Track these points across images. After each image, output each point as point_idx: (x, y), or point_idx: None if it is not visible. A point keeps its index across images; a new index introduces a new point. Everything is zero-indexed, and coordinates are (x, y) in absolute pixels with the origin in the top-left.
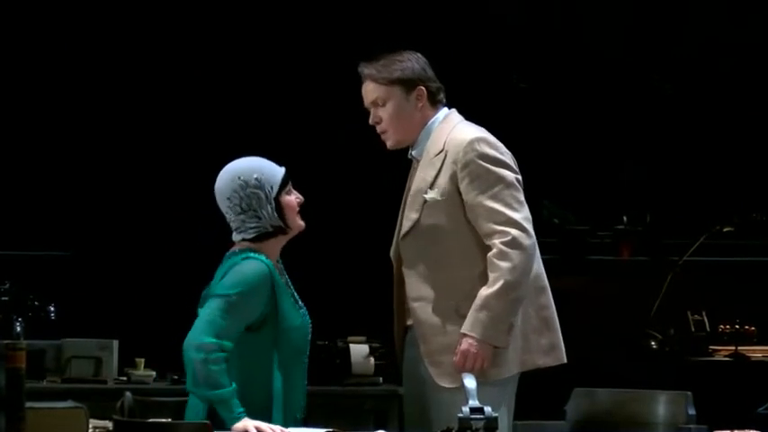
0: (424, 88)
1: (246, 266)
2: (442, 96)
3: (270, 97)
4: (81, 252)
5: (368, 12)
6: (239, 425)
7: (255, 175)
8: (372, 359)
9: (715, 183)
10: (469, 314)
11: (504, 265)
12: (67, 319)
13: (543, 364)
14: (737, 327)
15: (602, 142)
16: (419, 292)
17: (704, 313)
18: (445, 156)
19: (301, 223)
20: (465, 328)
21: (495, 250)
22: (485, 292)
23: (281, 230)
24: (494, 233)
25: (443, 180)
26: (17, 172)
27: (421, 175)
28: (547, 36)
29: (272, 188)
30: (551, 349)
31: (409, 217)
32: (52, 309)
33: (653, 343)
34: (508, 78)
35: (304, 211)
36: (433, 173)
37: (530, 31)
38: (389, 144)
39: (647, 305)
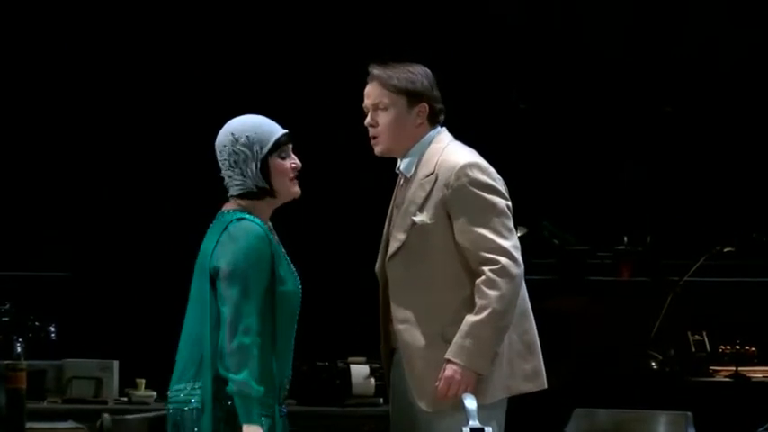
0: (427, 105)
1: (243, 232)
2: (441, 118)
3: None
4: (81, 272)
5: (368, 13)
6: (251, 429)
7: (247, 133)
8: (373, 380)
9: (715, 203)
10: (455, 340)
11: (493, 293)
12: (68, 340)
13: (526, 390)
14: (738, 347)
15: (603, 163)
16: (405, 315)
17: (705, 333)
18: (436, 179)
19: (295, 190)
20: (450, 354)
21: (483, 277)
22: (471, 318)
23: (266, 192)
24: (483, 260)
25: (433, 203)
26: (17, 192)
27: (410, 196)
28: (546, 43)
29: (261, 148)
30: (535, 375)
31: (397, 238)
32: (53, 329)
33: (653, 363)
34: (508, 98)
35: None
36: (423, 195)
37: (529, 39)
38: (377, 150)
39: (648, 325)
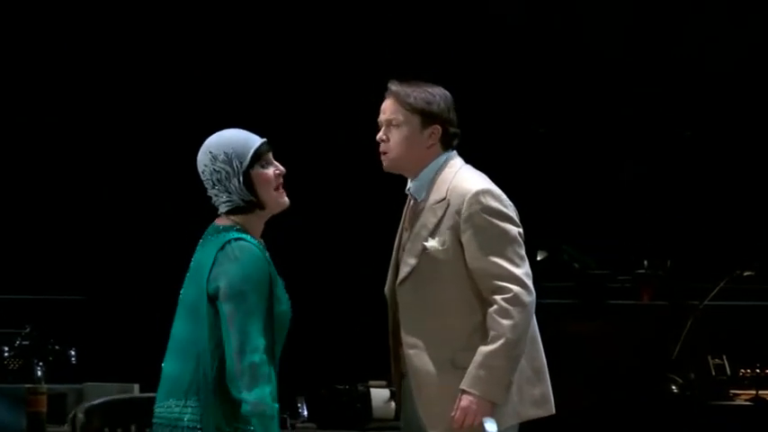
0: (440, 128)
1: (242, 253)
2: (455, 142)
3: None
4: (102, 296)
5: (381, 25)
6: None
7: (225, 149)
8: (393, 403)
9: (735, 228)
10: (469, 371)
11: (506, 322)
12: (88, 363)
13: (535, 416)
14: (758, 371)
15: (622, 187)
16: (415, 340)
17: (725, 357)
18: (447, 204)
19: (283, 200)
20: (465, 385)
21: (496, 306)
22: (485, 348)
23: (255, 205)
24: (495, 289)
25: (444, 229)
26: (37, 217)
27: (422, 221)
28: (558, 56)
29: (240, 162)
30: (543, 401)
31: (407, 262)
32: (73, 353)
33: (674, 387)
34: (528, 123)
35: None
36: (434, 220)
37: (544, 54)
38: (385, 165)
39: (668, 349)
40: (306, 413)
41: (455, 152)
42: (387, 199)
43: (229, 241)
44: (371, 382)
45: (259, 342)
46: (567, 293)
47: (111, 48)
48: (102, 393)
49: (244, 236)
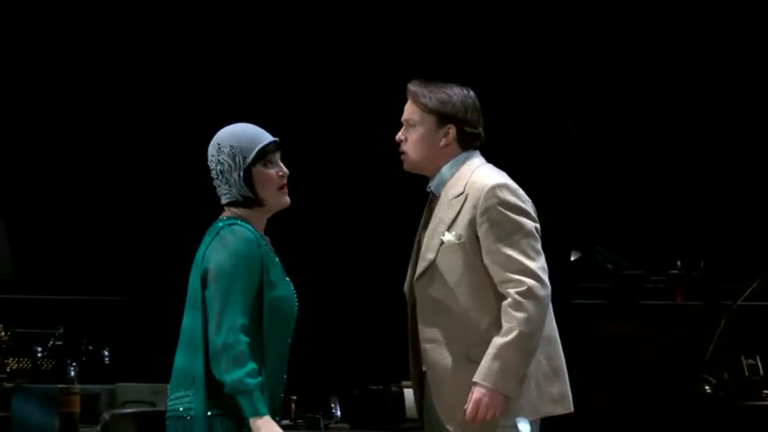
0: (455, 128)
1: (232, 236)
2: (476, 143)
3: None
4: (135, 296)
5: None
6: (260, 422)
7: (231, 143)
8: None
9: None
10: (482, 363)
11: (519, 315)
12: (121, 364)
13: (553, 413)
14: None
15: (656, 186)
16: (432, 335)
17: (758, 358)
18: (465, 199)
19: (284, 200)
20: (477, 378)
21: (509, 299)
22: (498, 341)
23: (253, 202)
24: (509, 281)
25: (462, 224)
26: (71, 217)
27: (439, 216)
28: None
29: (244, 158)
30: (561, 398)
31: (425, 257)
32: (106, 353)
33: (707, 387)
34: (561, 124)
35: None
36: (452, 215)
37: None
38: (405, 165)
39: (701, 350)
40: (339, 413)
41: (477, 152)
42: (419, 197)
43: (224, 227)
44: (404, 383)
45: (236, 321)
46: (600, 294)
47: (138, 48)
48: (134, 394)
49: (239, 222)
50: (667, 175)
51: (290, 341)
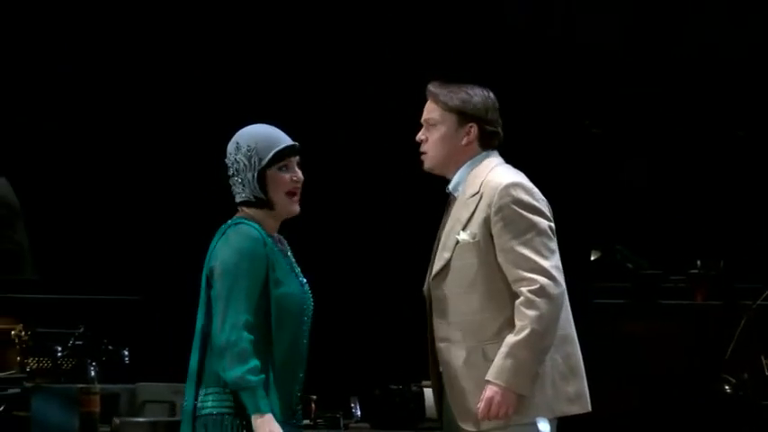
0: (477, 127)
1: (237, 234)
2: (495, 142)
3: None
4: (155, 296)
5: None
6: (261, 419)
7: (249, 143)
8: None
9: None
10: (495, 361)
11: (532, 313)
12: (141, 363)
13: (569, 412)
14: None
15: (675, 186)
16: (447, 333)
17: None
18: (480, 198)
19: (293, 208)
20: (490, 376)
21: (522, 298)
22: (511, 339)
23: (264, 204)
24: (522, 280)
25: (476, 222)
26: (90, 216)
27: (456, 215)
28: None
29: (259, 160)
30: (578, 397)
31: (442, 256)
32: (126, 353)
33: (727, 387)
34: (580, 123)
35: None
36: (467, 214)
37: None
38: (425, 165)
39: (721, 349)
40: (359, 413)
41: (495, 152)
42: (440, 197)
43: (230, 226)
44: (424, 382)
45: (239, 318)
46: (620, 294)
47: (158, 48)
48: (154, 393)
49: (246, 221)
50: (687, 175)
51: (305, 340)
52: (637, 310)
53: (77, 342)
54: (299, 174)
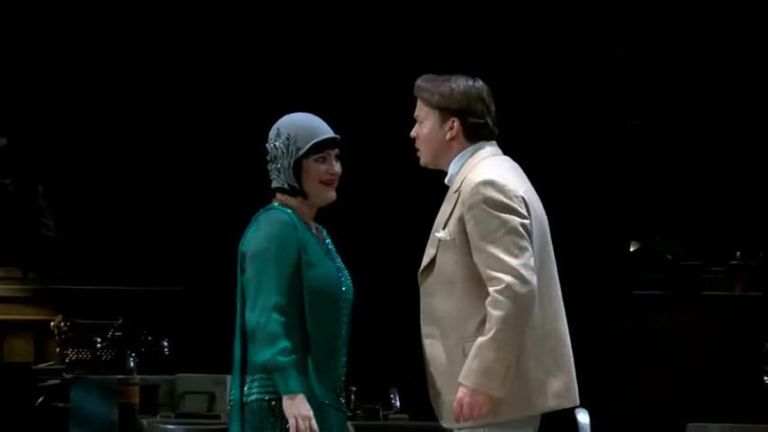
0: (459, 121)
1: (267, 219)
2: (485, 133)
3: None
4: (194, 287)
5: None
6: (291, 400)
7: (289, 131)
8: None
9: None
10: (466, 362)
11: (496, 313)
12: (181, 354)
13: (556, 407)
14: None
15: (714, 177)
16: (430, 330)
17: None
18: (458, 195)
19: (329, 195)
20: (461, 377)
21: (490, 298)
22: (480, 340)
23: (298, 192)
24: (491, 279)
25: (454, 220)
26: (131, 210)
27: (441, 211)
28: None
29: (297, 149)
30: (565, 391)
31: (427, 253)
32: (165, 344)
33: (765, 378)
34: (619, 115)
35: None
36: (448, 211)
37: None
38: (420, 161)
39: (761, 340)
40: (398, 404)
41: (487, 143)
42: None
43: (261, 212)
44: None
45: (269, 301)
46: (659, 285)
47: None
48: (194, 385)
49: (277, 206)
50: (727, 167)
51: (345, 324)
52: (676, 301)
53: (117, 333)
54: (336, 167)
